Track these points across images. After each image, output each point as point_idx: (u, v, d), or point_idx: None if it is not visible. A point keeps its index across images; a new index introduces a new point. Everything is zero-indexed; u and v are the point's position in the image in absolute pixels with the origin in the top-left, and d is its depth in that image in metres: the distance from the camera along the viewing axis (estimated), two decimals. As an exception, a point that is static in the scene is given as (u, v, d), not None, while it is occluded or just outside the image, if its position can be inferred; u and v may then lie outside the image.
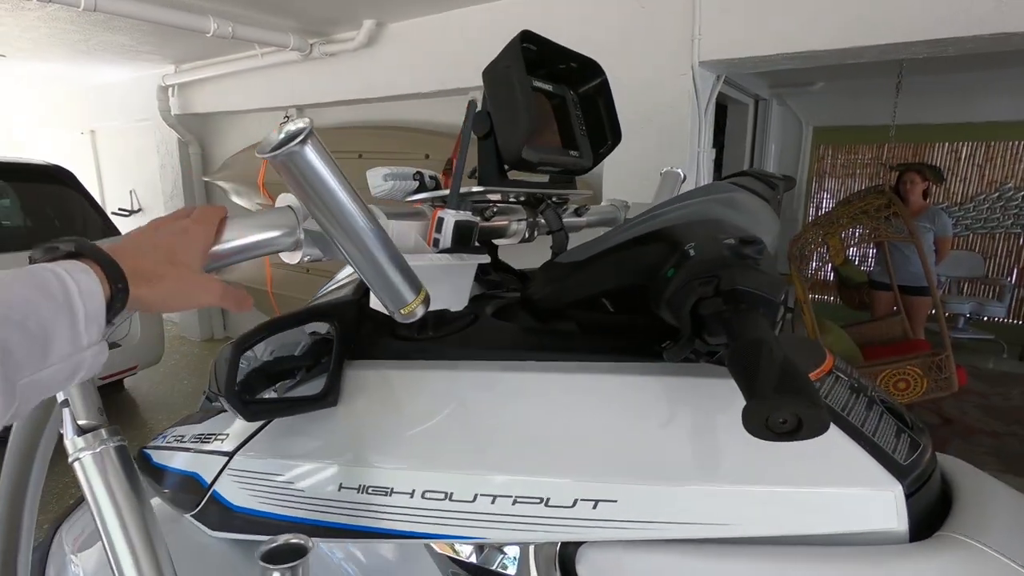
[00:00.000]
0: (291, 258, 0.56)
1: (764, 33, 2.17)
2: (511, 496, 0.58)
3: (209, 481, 0.76)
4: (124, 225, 5.38)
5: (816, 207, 5.61)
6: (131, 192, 5.46)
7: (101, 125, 5.51)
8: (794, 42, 2.13)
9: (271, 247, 0.53)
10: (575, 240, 0.80)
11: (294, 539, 0.54)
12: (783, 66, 2.34)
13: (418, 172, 0.74)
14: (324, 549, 0.78)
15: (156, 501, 0.87)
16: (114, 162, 5.67)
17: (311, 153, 0.43)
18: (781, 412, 0.36)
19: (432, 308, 0.68)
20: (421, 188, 0.74)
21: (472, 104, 0.62)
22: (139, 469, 0.91)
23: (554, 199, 0.87)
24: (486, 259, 0.68)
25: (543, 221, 0.85)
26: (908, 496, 0.51)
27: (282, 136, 0.43)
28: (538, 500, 0.57)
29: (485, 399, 0.64)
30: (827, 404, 0.55)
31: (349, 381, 0.71)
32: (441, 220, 0.64)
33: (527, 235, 0.85)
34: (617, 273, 0.63)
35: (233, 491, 0.74)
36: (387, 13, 2.97)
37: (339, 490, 0.66)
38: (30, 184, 3.09)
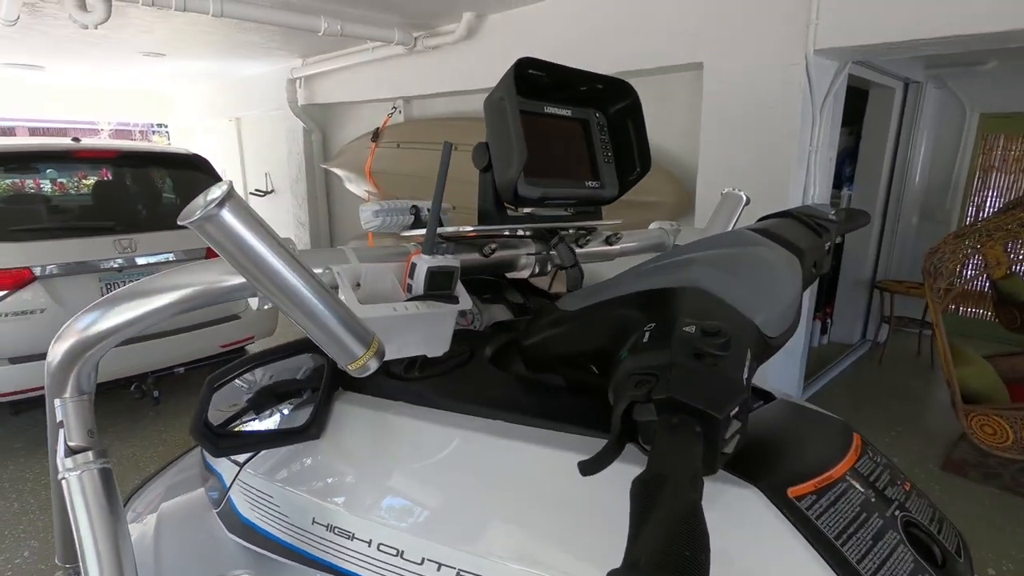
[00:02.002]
0: (254, 304, 0.56)
1: (898, 15, 1.84)
2: (455, 568, 0.55)
3: (228, 485, 0.81)
4: (259, 205, 5.99)
5: (977, 208, 4.79)
6: (266, 175, 6.06)
7: (244, 114, 6.14)
8: (935, 25, 1.78)
9: (228, 295, 0.54)
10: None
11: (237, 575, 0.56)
12: (922, 52, 1.98)
13: (414, 206, 0.71)
14: None
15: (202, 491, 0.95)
16: (253, 147, 6.31)
17: (229, 217, 0.42)
18: None
19: (405, 356, 0.66)
20: (417, 223, 0.72)
21: (447, 145, 0.58)
22: (201, 452, 1.00)
23: (571, 231, 0.80)
24: (465, 306, 0.63)
25: (556, 255, 0.79)
26: None
27: (205, 200, 0.42)
28: None
29: (443, 457, 0.61)
30: (816, 527, 0.45)
31: (338, 413, 0.71)
32: (414, 266, 0.61)
33: (537, 269, 0.79)
34: (595, 334, 0.55)
35: (241, 501, 0.78)
36: (486, 4, 2.96)
37: (312, 524, 0.67)
38: (177, 170, 3.53)
